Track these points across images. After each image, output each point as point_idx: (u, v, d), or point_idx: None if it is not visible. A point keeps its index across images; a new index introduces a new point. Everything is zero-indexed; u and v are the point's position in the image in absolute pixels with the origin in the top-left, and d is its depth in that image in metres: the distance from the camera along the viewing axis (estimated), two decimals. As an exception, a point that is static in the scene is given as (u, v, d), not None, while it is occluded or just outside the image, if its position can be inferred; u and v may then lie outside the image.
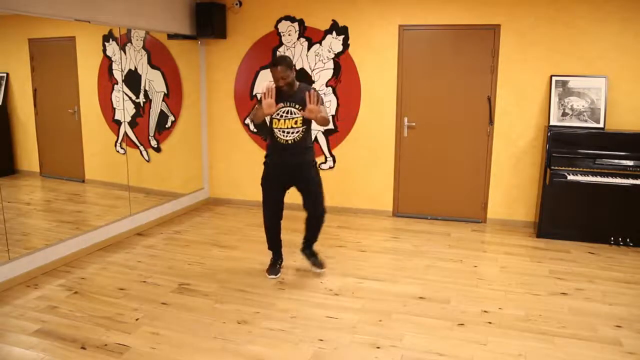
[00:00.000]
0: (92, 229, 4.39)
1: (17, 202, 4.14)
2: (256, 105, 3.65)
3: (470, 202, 5.27)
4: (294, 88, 3.60)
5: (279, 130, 3.60)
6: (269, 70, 5.49)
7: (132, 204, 4.87)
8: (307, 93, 3.46)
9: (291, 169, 3.69)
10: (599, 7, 4.59)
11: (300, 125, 3.59)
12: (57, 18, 3.88)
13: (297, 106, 3.57)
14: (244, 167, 5.88)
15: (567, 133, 4.60)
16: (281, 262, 3.96)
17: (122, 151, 4.82)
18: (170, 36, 5.25)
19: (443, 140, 5.23)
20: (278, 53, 5.40)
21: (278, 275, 3.86)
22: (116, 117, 4.72)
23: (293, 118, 3.58)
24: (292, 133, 3.59)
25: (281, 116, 3.58)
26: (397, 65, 5.19)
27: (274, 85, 3.47)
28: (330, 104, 5.43)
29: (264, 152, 5.71)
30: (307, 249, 3.98)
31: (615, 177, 4.41)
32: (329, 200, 5.61)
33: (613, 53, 4.63)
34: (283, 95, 3.57)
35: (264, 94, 3.43)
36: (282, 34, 5.46)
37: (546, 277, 3.87)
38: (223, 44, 5.67)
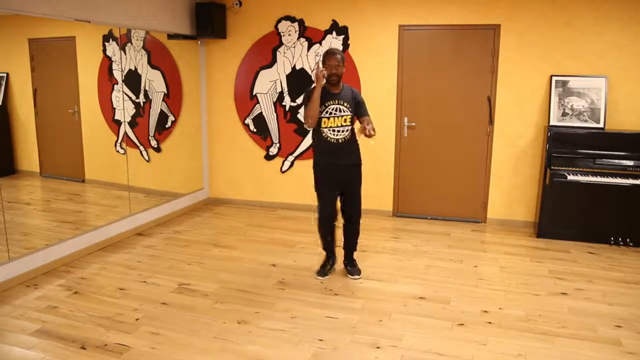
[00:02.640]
0: (92, 229, 4.39)
1: (17, 202, 4.14)
2: (305, 100, 3.59)
3: (470, 202, 5.27)
4: (340, 86, 3.61)
5: (329, 130, 3.57)
6: (269, 69, 5.57)
7: (132, 204, 4.87)
8: (363, 121, 3.54)
9: (345, 170, 3.68)
10: (599, 7, 4.59)
11: (349, 123, 3.60)
12: (57, 18, 3.88)
13: (345, 104, 3.58)
14: (244, 167, 5.88)
15: (567, 133, 4.60)
16: (332, 263, 3.94)
17: (122, 151, 4.82)
18: (170, 36, 5.25)
19: (443, 140, 5.23)
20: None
21: (326, 277, 3.84)
22: (116, 117, 4.72)
23: (342, 116, 3.57)
24: (343, 131, 3.59)
25: (330, 114, 3.55)
26: (397, 65, 5.19)
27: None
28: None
29: (263, 152, 5.80)
30: (349, 264, 3.93)
31: (615, 177, 4.41)
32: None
33: (613, 53, 4.63)
34: (330, 94, 3.56)
35: (315, 73, 3.44)
36: (282, 34, 5.46)
37: (546, 277, 3.87)
38: (223, 44, 5.68)
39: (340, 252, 4.00)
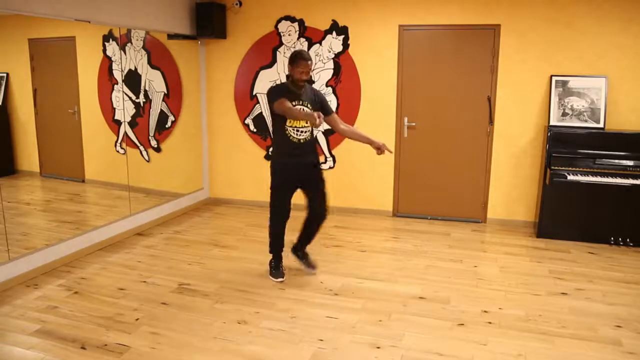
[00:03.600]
0: (92, 229, 4.39)
1: (17, 202, 4.14)
2: (296, 107, 3.49)
3: (470, 202, 5.27)
4: (302, 86, 3.59)
5: (294, 129, 3.55)
6: (269, 69, 5.57)
7: (132, 204, 4.87)
8: (375, 143, 3.65)
9: (304, 169, 3.67)
10: (599, 7, 4.59)
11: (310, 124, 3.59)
12: (57, 18, 3.88)
13: (308, 105, 3.57)
14: (244, 167, 5.88)
15: (567, 133, 4.60)
16: (282, 262, 3.94)
17: (122, 151, 4.82)
18: (170, 36, 5.25)
19: (443, 140, 5.23)
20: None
21: (285, 278, 3.82)
22: (116, 117, 4.72)
23: None
24: (305, 132, 3.59)
25: None
26: (397, 65, 5.19)
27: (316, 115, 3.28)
28: (330, 104, 5.42)
29: (263, 152, 5.80)
30: (301, 251, 3.97)
31: (615, 177, 4.41)
32: (329, 200, 5.61)
33: (613, 53, 4.63)
34: (295, 94, 3.54)
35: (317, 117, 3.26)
36: (282, 34, 5.46)
37: (546, 277, 3.87)
38: (223, 44, 5.68)
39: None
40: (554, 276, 3.89)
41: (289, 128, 3.55)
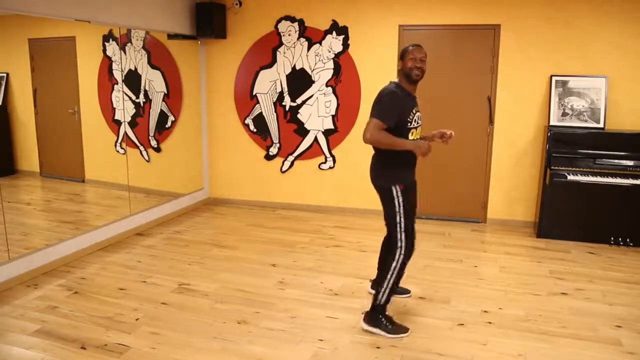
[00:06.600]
0: (92, 229, 4.39)
1: (17, 202, 4.14)
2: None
3: (470, 202, 5.27)
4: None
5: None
6: (269, 69, 5.56)
7: (132, 204, 4.87)
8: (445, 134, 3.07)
9: (415, 184, 3.18)
10: (599, 7, 4.59)
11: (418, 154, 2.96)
12: (57, 18, 3.88)
13: (419, 110, 3.06)
14: (244, 167, 5.88)
15: (567, 133, 4.60)
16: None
17: (122, 151, 4.82)
18: (170, 36, 5.25)
19: (443, 140, 5.22)
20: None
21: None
22: (116, 117, 4.72)
23: (420, 125, 3.06)
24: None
25: (417, 124, 3.00)
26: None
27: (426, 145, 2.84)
28: (330, 104, 5.44)
29: (263, 152, 5.80)
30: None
31: (615, 177, 4.41)
32: (329, 200, 5.63)
33: (613, 53, 4.63)
34: (413, 98, 2.99)
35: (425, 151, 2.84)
36: (282, 34, 5.46)
37: (546, 277, 3.87)
38: (223, 44, 5.68)
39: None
40: (554, 276, 3.89)
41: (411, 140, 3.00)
